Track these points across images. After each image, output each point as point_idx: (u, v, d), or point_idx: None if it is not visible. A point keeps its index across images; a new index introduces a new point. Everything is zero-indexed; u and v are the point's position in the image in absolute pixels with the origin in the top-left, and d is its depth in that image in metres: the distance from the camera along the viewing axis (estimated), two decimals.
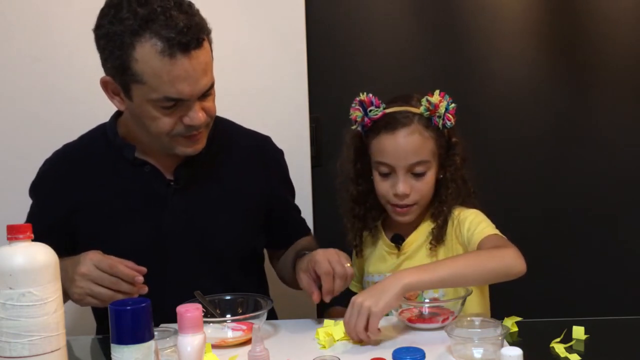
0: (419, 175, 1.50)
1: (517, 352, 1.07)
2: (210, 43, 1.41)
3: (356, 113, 1.52)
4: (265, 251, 1.73)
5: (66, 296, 1.32)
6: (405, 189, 1.49)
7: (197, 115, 1.39)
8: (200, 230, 1.52)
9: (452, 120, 1.49)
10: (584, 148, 2.19)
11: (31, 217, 1.54)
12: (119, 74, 1.36)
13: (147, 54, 1.31)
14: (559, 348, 1.28)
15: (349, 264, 1.39)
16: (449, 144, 1.54)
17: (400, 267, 1.56)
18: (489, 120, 2.16)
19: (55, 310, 1.02)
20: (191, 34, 1.32)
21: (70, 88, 1.99)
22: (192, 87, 1.35)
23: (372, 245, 1.62)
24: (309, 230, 1.77)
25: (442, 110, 1.47)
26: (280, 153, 1.69)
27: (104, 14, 1.36)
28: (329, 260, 1.38)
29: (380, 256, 1.60)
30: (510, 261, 1.37)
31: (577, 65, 2.16)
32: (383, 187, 1.52)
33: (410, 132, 1.47)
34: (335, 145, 2.09)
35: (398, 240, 1.58)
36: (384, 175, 1.52)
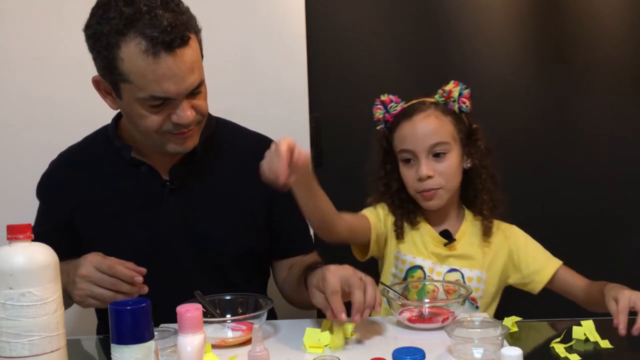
0: (439, 158, 1.53)
1: (517, 352, 1.07)
2: (199, 41, 1.40)
3: (378, 112, 1.61)
4: (269, 258, 1.72)
5: (70, 300, 1.33)
6: (427, 170, 1.52)
7: (185, 114, 1.38)
8: (195, 230, 1.52)
9: (468, 103, 1.56)
10: (582, 147, 2.19)
11: (37, 219, 1.57)
12: (108, 73, 1.37)
13: (131, 53, 1.32)
14: (559, 348, 1.28)
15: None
16: (471, 131, 1.59)
17: (447, 260, 1.58)
18: (489, 120, 2.15)
19: (55, 310, 1.02)
20: (175, 33, 1.31)
21: (70, 88, 1.99)
22: (177, 86, 1.35)
23: (413, 231, 1.60)
24: (314, 247, 1.70)
25: (455, 94, 1.55)
26: None
27: (93, 14, 1.37)
28: (341, 277, 1.30)
29: (423, 243, 1.59)
30: None
31: (569, 65, 2.16)
32: (409, 175, 1.56)
33: (427, 116, 1.54)
34: (336, 145, 2.11)
35: (448, 237, 1.59)
36: (407, 163, 1.56)
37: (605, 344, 1.30)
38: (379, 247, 1.62)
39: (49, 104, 1.99)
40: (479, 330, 1.26)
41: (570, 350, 1.28)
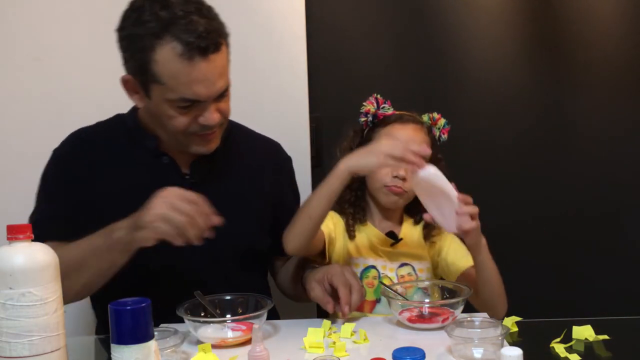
0: None
1: (517, 352, 1.07)
2: (227, 46, 1.44)
3: (370, 106, 1.67)
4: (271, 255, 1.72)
5: (108, 261, 1.33)
6: (407, 173, 1.55)
7: (212, 116, 1.42)
8: None
9: (445, 136, 1.68)
10: (579, 148, 2.19)
11: (50, 197, 1.51)
12: (139, 74, 1.40)
13: (166, 56, 1.35)
14: (559, 348, 1.28)
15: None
16: (434, 159, 1.62)
17: (396, 257, 1.63)
18: (486, 122, 2.16)
19: (55, 310, 1.03)
20: (210, 39, 1.36)
21: (70, 88, 1.99)
22: (208, 90, 1.39)
23: (360, 233, 1.66)
24: None
25: (441, 124, 1.67)
26: (289, 160, 1.73)
27: (126, 16, 1.39)
28: (346, 274, 1.44)
29: (371, 245, 1.64)
30: (504, 305, 1.55)
31: (566, 66, 2.16)
32: (383, 170, 1.58)
33: (420, 129, 1.64)
34: (336, 145, 2.10)
35: (394, 237, 1.64)
36: None
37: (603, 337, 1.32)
38: (329, 252, 1.65)
39: (49, 104, 1.99)
40: (479, 330, 1.26)
41: (570, 350, 1.28)
